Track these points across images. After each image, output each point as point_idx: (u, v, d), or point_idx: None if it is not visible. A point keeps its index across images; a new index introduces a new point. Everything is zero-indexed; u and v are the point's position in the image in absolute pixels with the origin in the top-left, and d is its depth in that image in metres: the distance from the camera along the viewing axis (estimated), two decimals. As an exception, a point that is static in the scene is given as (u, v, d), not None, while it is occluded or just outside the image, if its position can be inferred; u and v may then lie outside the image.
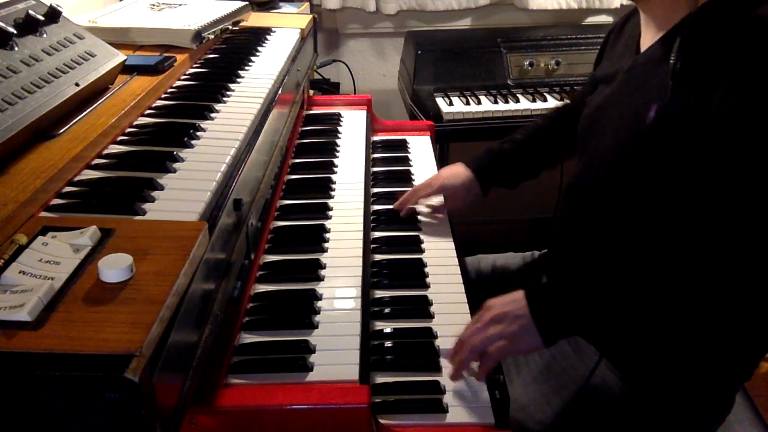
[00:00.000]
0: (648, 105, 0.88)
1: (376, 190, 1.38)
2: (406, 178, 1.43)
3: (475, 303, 1.07)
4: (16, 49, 0.87)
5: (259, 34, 1.48)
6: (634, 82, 0.94)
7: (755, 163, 0.77)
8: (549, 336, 0.87)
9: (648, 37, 0.97)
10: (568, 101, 1.37)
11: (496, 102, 1.97)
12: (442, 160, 2.01)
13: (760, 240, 0.78)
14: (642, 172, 0.90)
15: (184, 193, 0.80)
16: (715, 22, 0.85)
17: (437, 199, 1.31)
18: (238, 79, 1.19)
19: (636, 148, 0.90)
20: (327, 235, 1.16)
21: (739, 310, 0.81)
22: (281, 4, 2.07)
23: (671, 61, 0.87)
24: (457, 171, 1.29)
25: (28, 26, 0.92)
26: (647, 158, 0.89)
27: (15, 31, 0.87)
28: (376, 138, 1.64)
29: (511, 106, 1.95)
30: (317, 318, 0.96)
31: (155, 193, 0.78)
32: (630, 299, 0.85)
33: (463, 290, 1.09)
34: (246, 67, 1.26)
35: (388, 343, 0.97)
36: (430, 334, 0.98)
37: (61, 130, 0.85)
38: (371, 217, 1.27)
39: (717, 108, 0.79)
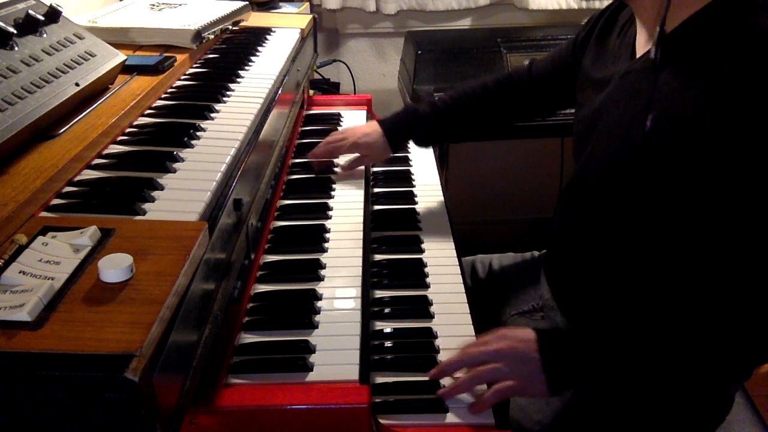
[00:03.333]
0: (644, 113, 0.87)
1: (376, 190, 1.38)
2: (406, 178, 1.43)
3: (475, 303, 1.07)
4: (16, 49, 0.87)
5: (259, 34, 1.48)
6: (631, 88, 0.93)
7: (753, 173, 0.77)
8: (556, 385, 0.85)
9: (642, 40, 0.95)
10: (526, 66, 1.31)
11: (496, 102, 1.97)
12: (442, 160, 2.01)
13: (760, 241, 0.78)
14: (636, 179, 0.89)
15: (184, 193, 0.80)
16: (713, 30, 0.83)
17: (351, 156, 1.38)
18: (238, 79, 1.19)
19: (630, 156, 0.89)
20: (327, 235, 1.16)
21: (738, 314, 0.81)
22: (281, 4, 2.07)
23: (652, 56, 0.86)
24: (371, 130, 1.34)
25: (28, 26, 0.92)
26: (642, 166, 0.88)
27: (15, 31, 0.87)
28: (376, 138, 1.64)
29: (511, 106, 1.95)
30: (317, 318, 0.96)
31: (155, 193, 0.78)
32: (631, 321, 0.84)
33: (463, 290, 1.09)
34: (246, 67, 1.26)
35: (388, 343, 0.97)
36: (430, 334, 0.98)
37: (61, 130, 0.85)
38: (371, 217, 1.27)
39: (713, 118, 0.78)
